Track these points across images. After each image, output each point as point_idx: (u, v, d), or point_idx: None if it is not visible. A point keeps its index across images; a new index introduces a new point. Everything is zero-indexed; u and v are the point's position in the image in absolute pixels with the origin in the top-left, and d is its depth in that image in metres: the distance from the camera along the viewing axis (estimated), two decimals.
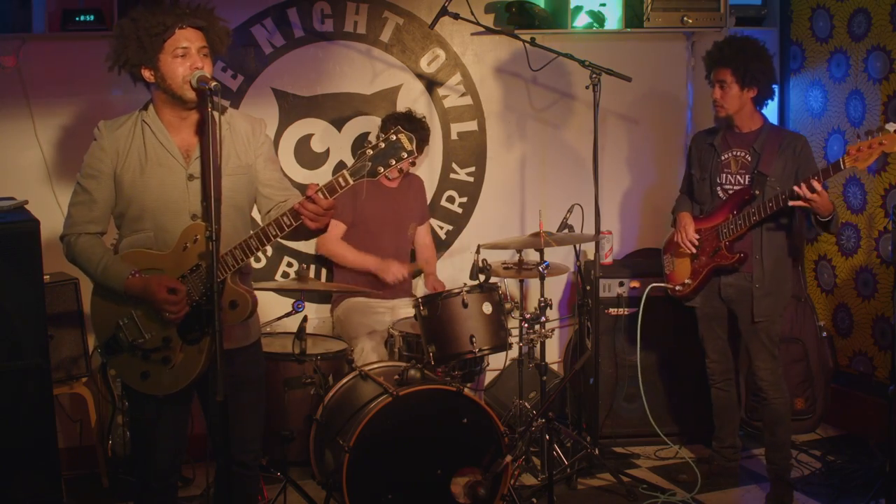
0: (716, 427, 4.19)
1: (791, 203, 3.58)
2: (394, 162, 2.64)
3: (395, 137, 2.64)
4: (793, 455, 4.08)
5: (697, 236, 3.94)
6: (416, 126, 4.33)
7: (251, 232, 2.76)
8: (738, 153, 3.89)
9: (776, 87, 3.96)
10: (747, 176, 3.85)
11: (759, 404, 3.99)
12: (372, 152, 2.63)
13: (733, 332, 4.07)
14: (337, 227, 4.38)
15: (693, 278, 3.97)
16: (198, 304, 2.74)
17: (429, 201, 4.76)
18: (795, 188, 3.53)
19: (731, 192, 3.90)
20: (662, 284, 4.12)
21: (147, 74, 2.73)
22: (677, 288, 4.06)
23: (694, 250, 3.95)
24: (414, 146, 2.66)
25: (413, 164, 4.52)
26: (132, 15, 2.71)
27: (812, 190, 3.48)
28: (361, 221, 4.40)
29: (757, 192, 3.77)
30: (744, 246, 3.83)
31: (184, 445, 2.97)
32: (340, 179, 2.66)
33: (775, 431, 3.90)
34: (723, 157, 3.93)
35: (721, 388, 4.12)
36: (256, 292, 2.88)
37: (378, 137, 2.66)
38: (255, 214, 3.05)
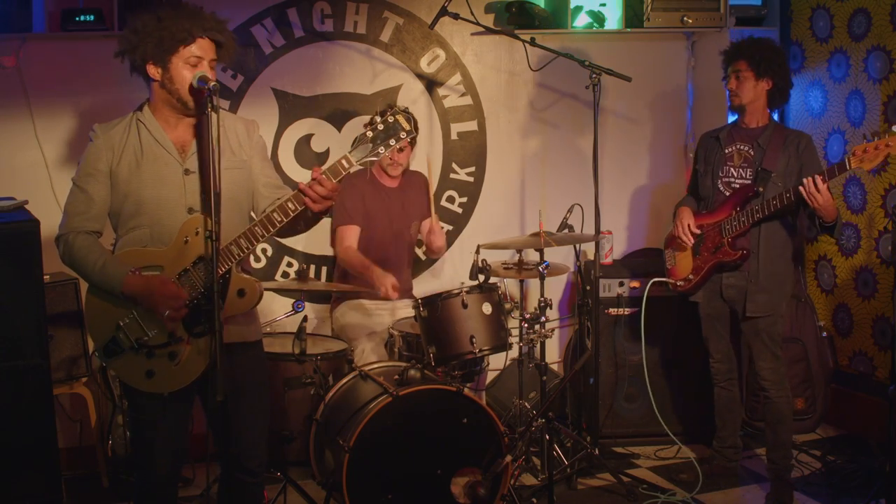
0: (717, 427, 4.20)
1: (797, 199, 3.60)
2: (393, 142, 2.67)
3: (392, 119, 2.67)
4: (793, 455, 4.08)
5: (698, 231, 3.96)
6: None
7: (256, 220, 2.76)
8: (742, 147, 3.92)
9: (791, 93, 3.99)
10: (749, 170, 3.87)
11: (762, 403, 4.00)
12: (371, 134, 2.66)
13: (736, 332, 4.08)
14: (352, 231, 4.29)
15: (695, 274, 3.98)
16: (203, 297, 2.73)
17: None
18: (801, 185, 3.55)
19: (732, 185, 3.92)
20: (664, 279, 4.12)
21: (153, 71, 2.74)
22: (679, 283, 4.07)
23: (692, 241, 3.97)
24: (412, 126, 2.68)
25: (411, 142, 4.38)
26: (159, 14, 2.72)
27: (817, 188, 3.50)
28: (366, 221, 4.38)
29: (760, 189, 3.78)
30: (745, 243, 3.84)
31: (185, 447, 2.96)
32: (344, 162, 2.69)
33: (777, 430, 3.90)
34: (726, 151, 3.96)
35: (724, 388, 4.13)
36: None
37: (375, 121, 2.68)
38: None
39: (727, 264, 3.88)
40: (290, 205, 2.72)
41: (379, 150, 2.67)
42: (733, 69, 3.92)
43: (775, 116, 4.92)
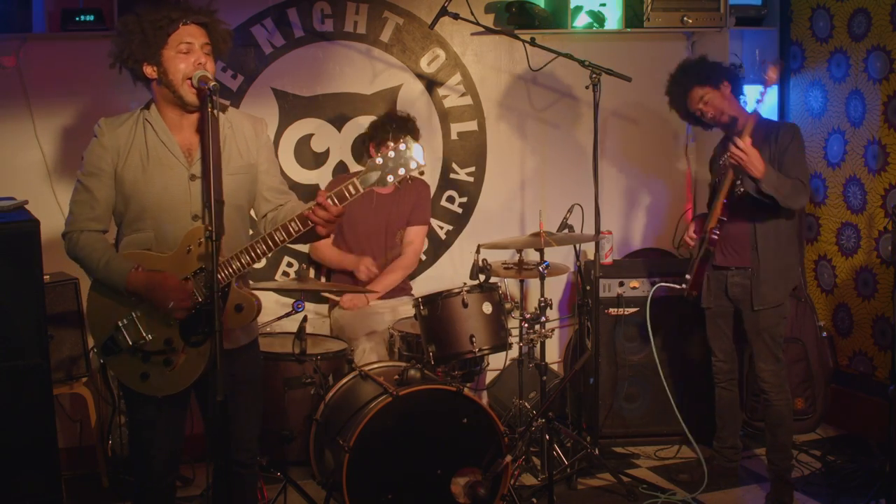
0: (717, 427, 4.20)
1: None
2: (403, 172, 2.63)
3: (404, 147, 2.63)
4: (793, 455, 4.08)
5: (695, 235, 3.99)
6: (405, 126, 4.31)
7: (259, 237, 2.75)
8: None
9: (744, 82, 4.01)
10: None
11: (761, 405, 4.00)
12: (381, 161, 2.63)
13: (738, 334, 4.08)
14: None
15: (689, 272, 3.98)
16: (202, 306, 2.73)
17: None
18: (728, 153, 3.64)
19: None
20: (668, 284, 4.13)
21: (149, 71, 2.73)
22: (682, 285, 4.07)
23: (693, 243, 4.01)
24: (422, 156, 2.65)
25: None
26: (136, 11, 2.72)
27: (738, 146, 3.56)
28: (349, 225, 4.38)
29: (738, 181, 3.78)
30: (741, 241, 3.85)
31: (181, 446, 2.96)
32: (350, 187, 2.66)
33: (776, 433, 3.90)
34: (721, 161, 3.96)
35: (725, 388, 4.13)
36: (256, 292, 2.88)
37: (388, 145, 2.65)
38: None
39: (710, 251, 3.86)
40: (293, 225, 2.71)
41: (387, 179, 2.64)
42: (698, 103, 3.88)
43: (775, 116, 4.96)
